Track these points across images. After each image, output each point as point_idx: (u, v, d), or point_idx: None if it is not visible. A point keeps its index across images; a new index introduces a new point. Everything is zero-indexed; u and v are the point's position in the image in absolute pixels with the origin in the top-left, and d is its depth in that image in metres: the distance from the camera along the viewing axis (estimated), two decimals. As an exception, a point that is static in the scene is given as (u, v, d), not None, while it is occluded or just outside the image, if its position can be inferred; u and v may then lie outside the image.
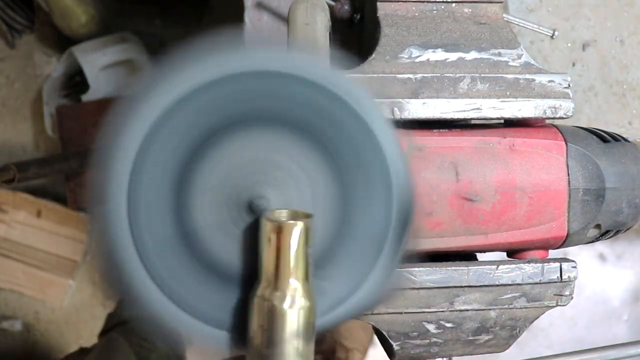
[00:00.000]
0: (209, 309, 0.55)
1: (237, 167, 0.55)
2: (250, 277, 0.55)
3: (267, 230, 0.52)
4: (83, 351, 1.49)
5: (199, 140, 0.55)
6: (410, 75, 0.70)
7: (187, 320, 0.55)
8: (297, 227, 0.52)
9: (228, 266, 0.55)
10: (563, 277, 0.71)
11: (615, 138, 0.74)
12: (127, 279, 0.54)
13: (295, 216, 0.53)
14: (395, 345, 0.72)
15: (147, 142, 0.53)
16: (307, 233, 0.52)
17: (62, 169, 1.83)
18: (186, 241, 0.55)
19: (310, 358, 0.53)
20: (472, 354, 0.75)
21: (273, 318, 0.52)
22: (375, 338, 0.76)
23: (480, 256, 0.77)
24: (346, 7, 0.94)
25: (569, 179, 0.70)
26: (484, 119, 0.72)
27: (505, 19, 0.76)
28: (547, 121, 0.74)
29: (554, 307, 0.73)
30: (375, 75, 0.70)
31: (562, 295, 0.72)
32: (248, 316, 0.53)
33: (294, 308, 0.52)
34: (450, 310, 0.71)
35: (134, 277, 0.54)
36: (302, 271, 0.52)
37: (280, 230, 0.52)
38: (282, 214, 0.54)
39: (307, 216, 0.53)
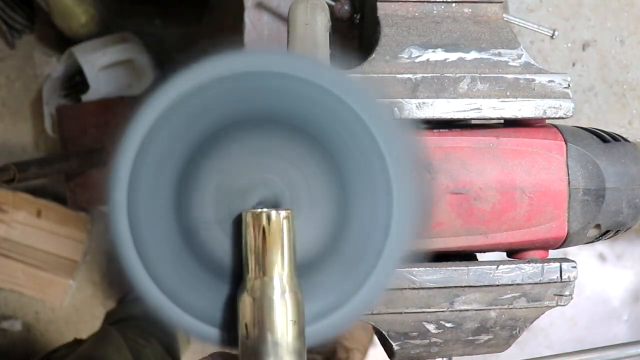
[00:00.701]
0: (205, 307, 0.56)
1: (236, 166, 0.55)
2: (241, 274, 0.55)
3: (249, 222, 0.53)
4: (77, 342, 1.50)
5: (199, 140, 0.55)
6: (410, 75, 0.70)
7: (183, 316, 0.55)
8: (279, 216, 0.52)
9: (225, 265, 0.55)
10: (563, 277, 0.71)
11: (615, 138, 0.74)
12: (127, 276, 0.54)
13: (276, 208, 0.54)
14: (395, 345, 0.72)
15: (147, 141, 0.54)
16: (290, 222, 0.52)
17: (62, 169, 1.83)
18: (185, 240, 0.55)
19: (302, 351, 0.53)
20: (472, 354, 0.75)
21: (262, 309, 0.52)
22: (375, 338, 0.76)
23: (480, 256, 0.77)
24: (346, 7, 0.94)
25: (569, 179, 0.70)
26: (484, 119, 0.72)
27: (505, 19, 0.76)
28: (547, 121, 0.74)
29: (554, 307, 0.73)
30: (375, 75, 0.70)
31: (562, 295, 0.72)
32: (237, 313, 0.53)
33: (283, 297, 0.52)
34: (450, 310, 0.71)
35: (134, 274, 0.54)
36: (288, 260, 0.53)
37: (260, 220, 0.52)
38: (264, 208, 0.54)
39: (288, 209, 0.53)
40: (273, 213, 0.52)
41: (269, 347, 0.52)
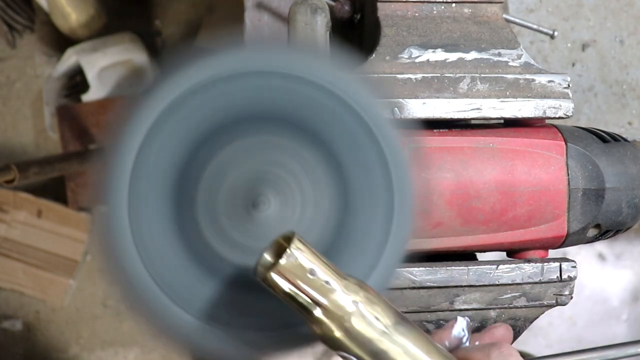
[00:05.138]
0: (199, 302, 0.55)
1: (237, 165, 0.55)
2: (239, 276, 0.54)
3: (274, 278, 0.49)
4: None
5: (200, 139, 0.55)
6: (410, 75, 0.70)
7: (177, 312, 0.55)
8: (294, 246, 0.49)
9: (223, 263, 0.55)
10: (563, 277, 0.72)
11: (615, 138, 0.74)
12: (126, 274, 0.54)
13: (282, 243, 0.50)
14: (396, 345, 0.72)
15: (149, 141, 0.54)
16: (300, 240, 0.49)
17: (63, 169, 1.83)
18: (185, 238, 0.55)
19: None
20: (472, 354, 0.75)
21: (355, 331, 0.50)
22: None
23: (480, 256, 0.77)
24: (346, 7, 0.94)
25: (568, 179, 0.70)
26: (484, 119, 0.72)
27: (505, 19, 0.76)
28: (547, 121, 0.74)
29: (554, 306, 0.73)
30: (375, 75, 0.70)
31: (561, 294, 0.72)
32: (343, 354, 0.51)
33: (357, 307, 0.50)
34: (450, 310, 0.71)
35: (133, 273, 0.54)
36: (331, 273, 0.50)
37: (282, 269, 0.49)
38: (266, 256, 0.51)
39: (289, 233, 0.50)
40: (287, 254, 0.48)
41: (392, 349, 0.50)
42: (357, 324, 0.50)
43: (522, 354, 0.56)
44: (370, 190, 0.56)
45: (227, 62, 0.54)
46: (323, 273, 0.49)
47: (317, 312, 0.50)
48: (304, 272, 0.49)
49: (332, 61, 0.63)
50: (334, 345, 0.50)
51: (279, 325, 0.56)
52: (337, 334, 0.50)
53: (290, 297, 0.49)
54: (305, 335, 0.55)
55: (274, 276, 0.49)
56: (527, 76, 0.72)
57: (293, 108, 0.55)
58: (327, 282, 0.49)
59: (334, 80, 0.55)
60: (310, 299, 0.49)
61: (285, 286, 0.49)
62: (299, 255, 0.49)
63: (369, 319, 0.50)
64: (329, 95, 0.55)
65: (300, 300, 0.49)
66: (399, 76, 0.70)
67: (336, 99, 0.55)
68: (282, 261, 0.48)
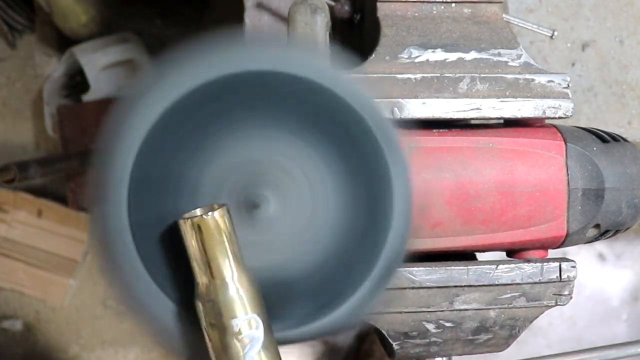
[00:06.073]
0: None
1: (236, 166, 0.55)
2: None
3: (186, 230, 0.52)
4: None
5: (200, 139, 0.55)
6: (410, 75, 0.70)
7: (177, 312, 0.55)
8: (212, 216, 0.51)
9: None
10: (562, 277, 0.72)
11: (615, 138, 0.74)
12: (125, 277, 0.54)
13: (209, 210, 0.53)
14: (395, 345, 0.72)
15: (149, 140, 0.54)
16: (225, 219, 0.52)
17: (63, 169, 1.83)
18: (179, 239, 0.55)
19: (273, 342, 0.53)
20: (471, 354, 0.75)
21: (219, 310, 0.52)
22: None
23: (480, 256, 0.77)
24: (346, 7, 0.94)
25: (568, 179, 0.70)
26: (484, 119, 0.72)
27: (505, 19, 0.76)
28: (547, 121, 0.74)
29: (554, 306, 0.73)
30: (375, 75, 0.70)
31: (561, 294, 0.72)
32: (199, 320, 0.53)
33: (239, 294, 0.52)
34: (450, 310, 0.71)
35: (133, 277, 0.54)
36: (233, 258, 0.52)
37: (196, 223, 0.51)
38: (196, 212, 0.53)
39: (220, 206, 0.53)
40: (207, 215, 0.52)
41: (238, 348, 0.52)
42: (223, 308, 0.52)
43: None
44: (368, 190, 0.56)
45: (227, 62, 0.54)
46: (229, 250, 0.52)
47: (203, 279, 0.52)
48: (214, 238, 0.52)
49: (331, 61, 0.63)
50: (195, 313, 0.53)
51: (282, 326, 0.56)
52: (202, 307, 0.52)
53: (190, 250, 0.52)
54: (308, 335, 0.55)
55: (188, 224, 0.52)
56: (527, 76, 0.72)
57: (293, 108, 0.55)
58: (227, 259, 0.52)
59: (334, 81, 0.55)
60: (206, 264, 0.52)
61: (192, 238, 0.52)
62: (220, 222, 0.52)
63: (233, 308, 0.52)
64: (329, 95, 0.55)
65: (197, 259, 0.52)
66: (399, 76, 0.70)
67: (336, 100, 0.55)
68: (205, 216, 0.51)
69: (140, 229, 0.54)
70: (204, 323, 0.53)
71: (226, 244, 0.52)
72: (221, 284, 0.52)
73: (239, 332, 0.52)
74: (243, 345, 0.52)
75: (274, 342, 0.53)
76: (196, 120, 0.54)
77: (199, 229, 0.51)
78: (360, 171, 0.56)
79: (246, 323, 0.52)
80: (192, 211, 0.53)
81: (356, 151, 0.56)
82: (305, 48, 0.69)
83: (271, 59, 0.55)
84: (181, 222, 0.52)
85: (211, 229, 0.52)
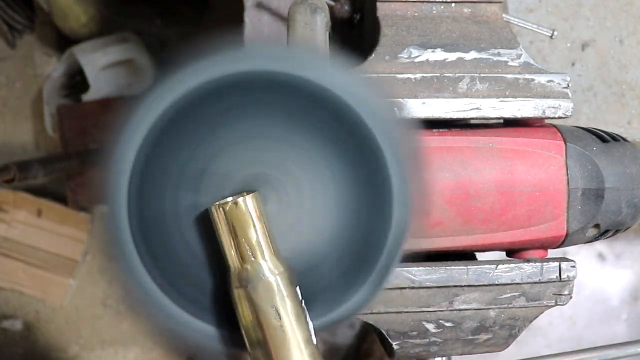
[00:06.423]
0: (201, 304, 0.56)
1: (236, 166, 0.56)
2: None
3: (218, 216, 0.52)
4: None
5: (200, 140, 0.55)
6: (410, 75, 0.70)
7: (184, 316, 0.55)
8: (244, 201, 0.52)
9: (220, 262, 0.55)
10: (562, 277, 0.72)
11: (615, 138, 0.74)
12: (129, 275, 0.55)
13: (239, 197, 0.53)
14: (395, 345, 0.72)
15: (149, 140, 0.54)
16: (257, 205, 0.52)
17: (63, 169, 1.83)
18: (184, 236, 0.55)
19: (311, 333, 0.53)
20: (471, 354, 0.75)
21: (255, 301, 0.52)
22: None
23: (480, 256, 0.77)
24: (346, 7, 0.94)
25: (568, 179, 0.70)
26: (484, 119, 0.72)
27: (505, 19, 0.76)
28: (547, 121, 0.74)
29: (554, 306, 0.73)
30: (375, 75, 0.70)
31: (561, 294, 0.72)
32: (235, 309, 0.53)
33: (276, 280, 0.52)
34: (450, 310, 0.71)
35: (137, 275, 0.54)
36: (265, 242, 0.52)
37: (229, 210, 0.52)
38: (228, 199, 0.54)
39: (252, 192, 0.53)
40: (239, 199, 0.52)
41: (278, 338, 0.52)
42: (261, 293, 0.52)
43: None
44: (368, 190, 0.56)
45: (227, 63, 0.54)
46: (262, 236, 0.52)
47: (236, 264, 0.52)
48: (247, 223, 0.52)
49: (331, 61, 0.63)
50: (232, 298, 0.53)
51: None
52: (238, 292, 0.52)
53: (224, 237, 0.52)
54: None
55: (220, 211, 0.52)
56: (527, 76, 0.72)
57: (292, 109, 0.55)
58: (263, 242, 0.52)
59: (333, 81, 0.55)
60: (239, 249, 0.52)
61: (225, 225, 0.52)
62: (252, 207, 0.52)
63: (273, 296, 0.52)
64: (329, 95, 0.55)
65: (228, 244, 0.52)
66: (399, 76, 0.70)
67: (336, 100, 0.55)
68: (237, 202, 0.52)
69: (141, 227, 0.54)
70: (240, 312, 0.53)
71: (260, 227, 0.52)
72: (258, 267, 0.52)
73: (278, 317, 0.52)
74: (283, 336, 0.52)
75: (312, 335, 0.53)
76: (197, 120, 0.54)
77: (232, 214, 0.52)
78: (359, 170, 0.56)
79: (285, 311, 0.52)
80: (226, 198, 0.54)
81: (355, 152, 0.56)
82: (305, 48, 0.69)
83: (272, 60, 0.55)
84: (213, 209, 0.52)
85: (244, 213, 0.52)
